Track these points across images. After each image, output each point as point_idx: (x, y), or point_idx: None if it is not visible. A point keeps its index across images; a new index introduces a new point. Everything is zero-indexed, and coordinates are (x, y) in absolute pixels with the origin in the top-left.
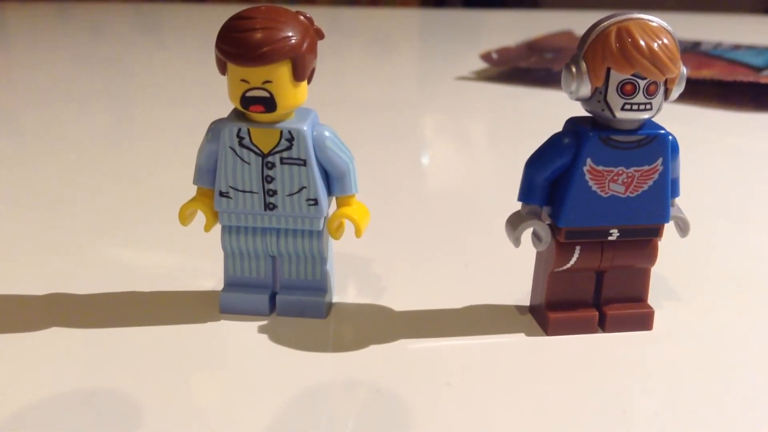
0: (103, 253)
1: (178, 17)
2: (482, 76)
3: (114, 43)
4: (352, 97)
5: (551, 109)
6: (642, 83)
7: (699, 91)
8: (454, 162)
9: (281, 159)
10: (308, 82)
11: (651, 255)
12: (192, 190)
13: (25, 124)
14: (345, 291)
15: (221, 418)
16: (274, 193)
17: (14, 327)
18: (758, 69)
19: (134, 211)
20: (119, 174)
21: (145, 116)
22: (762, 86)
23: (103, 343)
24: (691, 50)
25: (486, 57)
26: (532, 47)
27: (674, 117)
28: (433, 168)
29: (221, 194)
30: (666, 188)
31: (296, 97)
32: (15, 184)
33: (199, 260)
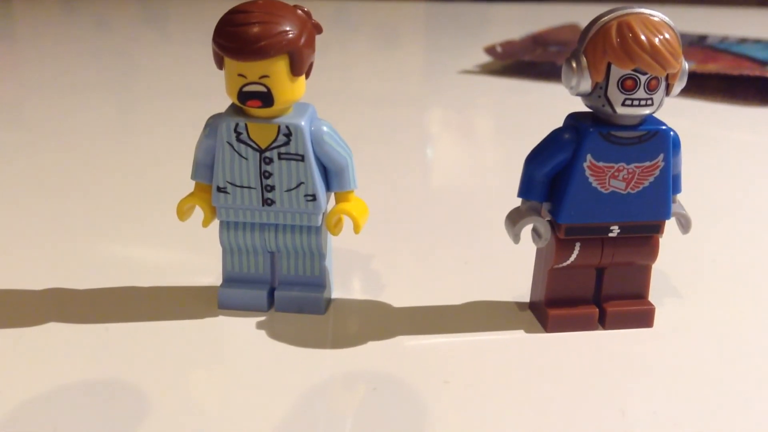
0: (101, 248)
1: (183, 10)
2: (486, 70)
3: (119, 36)
4: (356, 91)
5: (556, 103)
6: (643, 78)
7: (705, 85)
8: (458, 156)
9: (279, 154)
10: (306, 77)
11: (652, 252)
12: (191, 185)
13: (30, 117)
14: (344, 287)
15: (219, 413)
16: (272, 188)
17: (11, 321)
18: (764, 63)
19: (133, 205)
20: (120, 168)
21: (150, 109)
22: None
23: (101, 337)
24: (697, 44)
25: (490, 50)
26: (537, 40)
27: (679, 111)
28: (436, 162)
29: (219, 190)
30: (667, 184)
31: (294, 92)
32: (17, 177)
33: (197, 256)
